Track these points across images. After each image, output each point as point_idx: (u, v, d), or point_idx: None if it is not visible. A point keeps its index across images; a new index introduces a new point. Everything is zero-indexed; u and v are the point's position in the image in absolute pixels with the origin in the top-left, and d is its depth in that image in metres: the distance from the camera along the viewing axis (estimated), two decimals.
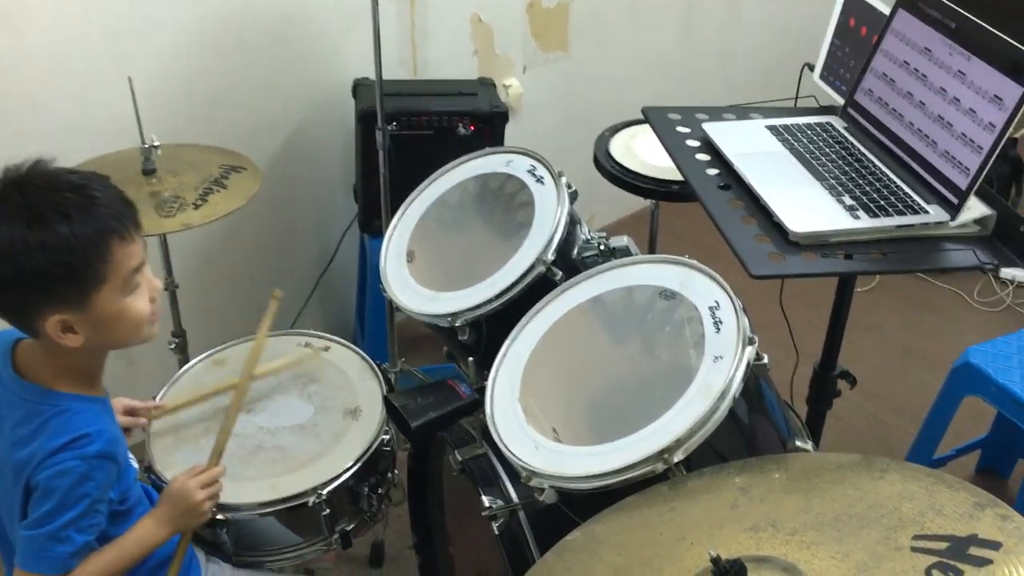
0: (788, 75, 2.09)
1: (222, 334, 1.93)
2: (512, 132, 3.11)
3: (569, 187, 1.74)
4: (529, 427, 1.40)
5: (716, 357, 1.32)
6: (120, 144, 1.99)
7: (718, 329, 1.36)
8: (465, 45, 2.90)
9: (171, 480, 1.48)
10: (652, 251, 2.22)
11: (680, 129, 1.70)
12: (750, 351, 1.30)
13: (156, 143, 1.89)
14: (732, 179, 1.56)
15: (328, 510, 1.63)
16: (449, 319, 1.67)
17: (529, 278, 1.63)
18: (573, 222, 1.73)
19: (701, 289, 1.42)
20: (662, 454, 1.22)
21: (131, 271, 1.27)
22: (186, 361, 2.14)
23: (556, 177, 1.73)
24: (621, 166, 2.03)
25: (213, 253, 2.54)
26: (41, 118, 2.11)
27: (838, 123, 1.70)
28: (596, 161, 2.11)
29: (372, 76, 2.55)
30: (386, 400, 1.67)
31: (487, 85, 2.62)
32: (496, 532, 1.41)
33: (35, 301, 1.22)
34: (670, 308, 1.44)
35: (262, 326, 1.66)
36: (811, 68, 1.91)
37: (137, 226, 1.30)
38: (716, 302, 1.39)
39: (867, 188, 1.50)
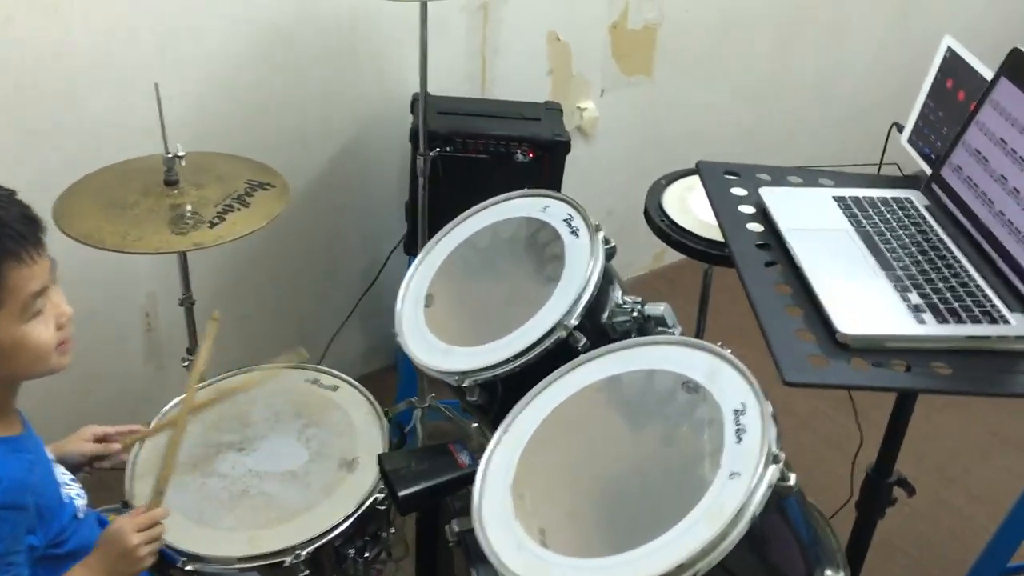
0: (882, 125, 1.87)
1: (254, 352, 1.82)
2: (584, 157, 2.96)
3: (607, 242, 1.57)
4: (516, 522, 1.24)
5: (733, 473, 1.14)
6: (152, 149, 1.90)
7: (739, 439, 1.17)
8: (540, 64, 2.74)
9: (110, 523, 1.37)
10: (701, 314, 2.02)
11: (735, 191, 1.51)
12: (773, 471, 1.11)
13: (181, 153, 1.79)
14: (783, 257, 1.36)
15: (307, 572, 1.51)
16: (457, 378, 1.52)
17: (547, 343, 1.47)
18: (608, 281, 1.56)
19: (729, 386, 1.24)
20: None
21: (30, 296, 1.17)
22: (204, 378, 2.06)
23: (592, 231, 1.56)
24: (672, 222, 1.84)
25: (249, 265, 2.45)
26: (80, 115, 2.04)
27: (919, 200, 1.48)
28: (646, 212, 1.92)
29: (431, 91, 2.45)
30: (379, 459, 1.53)
31: (554, 110, 2.45)
32: None
33: None
34: (691, 404, 1.26)
35: (200, 354, 1.53)
36: (900, 129, 1.69)
37: (39, 247, 1.19)
38: (743, 405, 1.21)
39: (940, 285, 1.28)
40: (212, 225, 1.72)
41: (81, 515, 1.37)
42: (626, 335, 1.56)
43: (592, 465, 1.31)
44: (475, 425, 1.60)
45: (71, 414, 2.17)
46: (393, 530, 1.68)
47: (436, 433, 2.29)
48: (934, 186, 1.47)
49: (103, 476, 1.55)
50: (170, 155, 1.78)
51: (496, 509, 1.28)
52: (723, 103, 3.18)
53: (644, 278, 3.36)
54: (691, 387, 1.27)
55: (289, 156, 2.35)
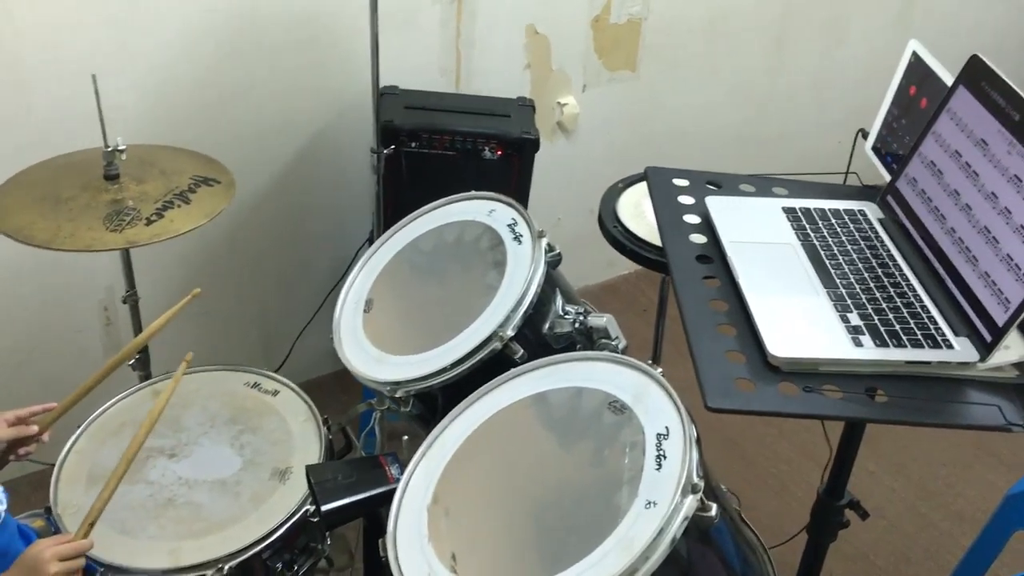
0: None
1: (215, 351, 1.76)
2: (565, 154, 2.89)
3: (551, 249, 1.51)
4: (429, 545, 1.19)
5: (649, 503, 1.08)
6: (97, 142, 1.85)
7: (659, 465, 1.11)
8: (517, 58, 2.67)
9: (33, 543, 1.32)
10: (658, 325, 1.95)
11: (682, 199, 1.44)
12: (690, 502, 1.06)
13: (122, 147, 1.73)
14: (723, 271, 1.30)
15: None
16: (390, 388, 1.47)
17: (482, 354, 1.41)
18: (550, 289, 1.50)
19: (654, 408, 1.18)
20: None
21: None
22: (147, 378, 2.01)
23: (535, 238, 1.50)
24: (624, 229, 1.77)
25: (211, 261, 2.40)
26: (30, 105, 1.99)
27: (873, 212, 1.41)
28: (600, 219, 1.85)
29: (402, 85, 2.39)
30: (306, 470, 1.48)
31: (526, 107, 2.38)
32: None
33: None
34: (617, 425, 1.20)
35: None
36: (864, 136, 1.61)
37: None
38: (667, 429, 1.15)
39: (884, 305, 1.21)
40: (149, 222, 1.66)
41: (0, 519, 1.33)
42: (569, 346, 1.50)
43: (515, 485, 1.25)
44: (405, 438, 1.54)
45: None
46: (329, 542, 1.62)
47: (395, 434, 2.23)
48: (889, 198, 1.40)
49: (17, 486, 1.50)
50: (109, 148, 1.73)
51: (412, 530, 1.22)
52: (712, 102, 3.10)
53: (623, 281, 3.28)
54: (617, 407, 1.21)
55: (250, 151, 2.30)
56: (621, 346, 1.47)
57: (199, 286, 2.38)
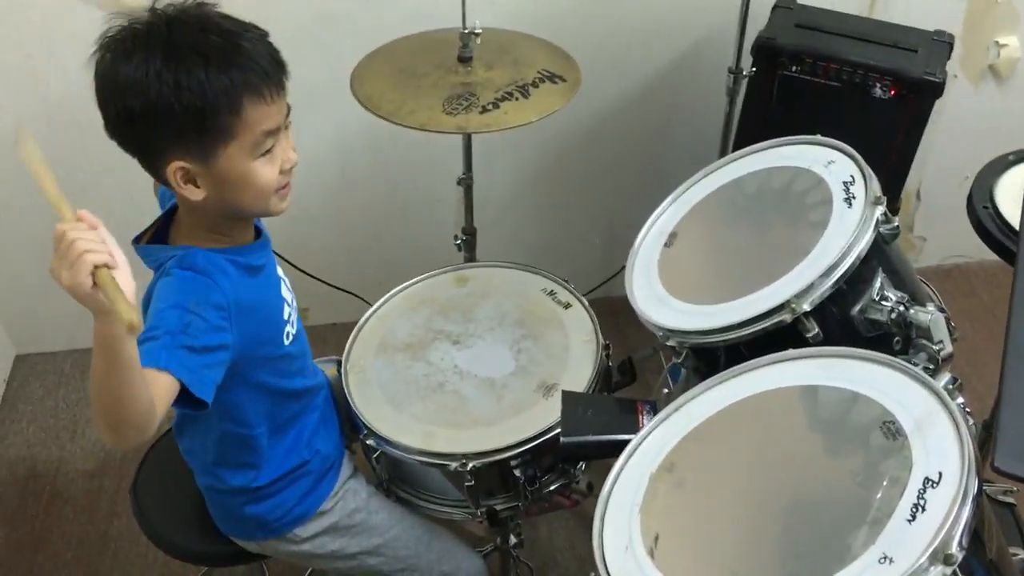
0: None
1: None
2: (991, 104, 2.46)
3: (887, 221, 1.27)
4: (636, 517, 1.09)
5: (885, 558, 0.89)
6: (492, 22, 1.85)
7: (913, 516, 0.90)
8: None
9: None
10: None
11: None
12: (936, 573, 0.84)
13: (478, 30, 1.73)
14: None
15: (473, 482, 1.46)
16: (662, 334, 1.35)
17: (767, 323, 1.25)
18: (872, 267, 1.27)
19: (935, 444, 0.96)
20: None
21: (263, 133, 1.17)
22: (472, 260, 2.07)
23: (870, 203, 1.27)
24: (996, 211, 1.44)
25: (560, 155, 2.38)
26: None
27: None
28: (969, 201, 1.52)
29: (802, 0, 2.13)
30: (562, 395, 1.42)
31: (941, 43, 2.02)
32: None
33: (160, 141, 1.15)
34: (884, 451, 0.99)
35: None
36: None
37: (280, 88, 1.18)
38: (939, 475, 0.93)
39: None
40: (484, 110, 1.65)
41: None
42: (884, 337, 1.28)
43: (763, 477, 1.09)
44: (665, 391, 1.42)
45: (383, 268, 2.32)
46: (584, 468, 1.57)
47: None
48: None
49: (324, 334, 1.59)
50: (466, 30, 1.73)
51: (627, 494, 1.13)
52: None
53: (981, 269, 2.77)
54: (891, 430, 1.00)
55: (606, 55, 2.21)
56: (943, 353, 1.22)
57: (543, 177, 2.40)
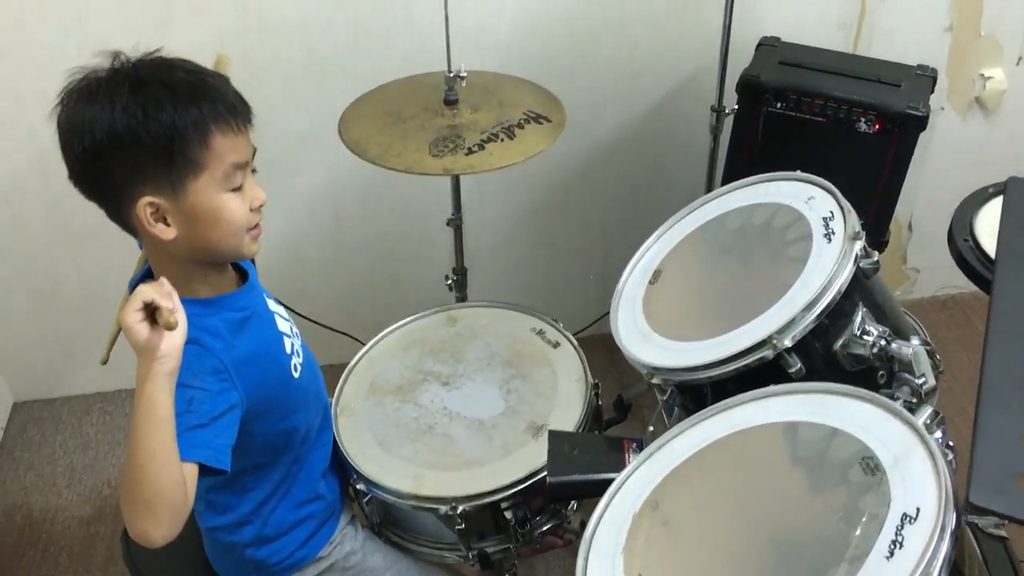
0: None
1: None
2: (977, 136, 2.47)
3: (867, 255, 1.28)
4: (620, 558, 1.09)
5: None
6: (478, 64, 1.88)
7: (891, 553, 0.90)
8: (937, 16, 2.30)
9: None
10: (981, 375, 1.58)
11: None
12: None
13: (463, 73, 1.76)
14: None
15: (463, 525, 1.46)
16: (648, 371, 1.36)
17: (749, 359, 1.25)
18: (857, 301, 1.28)
19: (913, 480, 0.96)
20: None
21: (232, 165, 1.17)
22: (463, 300, 2.08)
23: (849, 238, 1.28)
24: (976, 244, 1.44)
25: (546, 194, 2.39)
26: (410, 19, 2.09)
27: None
28: (949, 235, 1.53)
29: (787, 37, 2.16)
30: (549, 434, 1.42)
31: (924, 77, 2.05)
32: None
33: (128, 176, 1.13)
34: (863, 487, 0.99)
35: None
36: None
37: (247, 123, 1.19)
38: (917, 511, 0.92)
39: None
40: (469, 152, 1.67)
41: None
42: (868, 371, 1.28)
43: (748, 514, 1.09)
44: (651, 428, 1.43)
45: (376, 308, 2.33)
46: (575, 508, 1.57)
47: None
48: None
49: None
50: (452, 74, 1.76)
51: (611, 535, 1.13)
52: None
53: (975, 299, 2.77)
54: (870, 466, 1.00)
55: (588, 95, 2.24)
56: (926, 387, 1.22)
57: (535, 217, 2.41)
